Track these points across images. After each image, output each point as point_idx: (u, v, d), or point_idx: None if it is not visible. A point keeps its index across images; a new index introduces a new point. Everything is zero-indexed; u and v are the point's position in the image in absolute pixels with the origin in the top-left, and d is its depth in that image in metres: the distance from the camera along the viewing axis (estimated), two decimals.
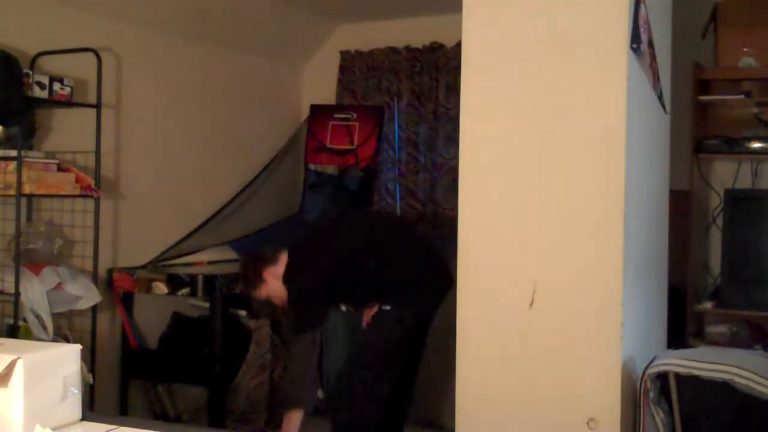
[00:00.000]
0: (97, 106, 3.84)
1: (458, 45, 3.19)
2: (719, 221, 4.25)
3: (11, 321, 3.41)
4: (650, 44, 3.10)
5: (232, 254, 4.81)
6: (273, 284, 3.54)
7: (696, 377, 2.57)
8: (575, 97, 2.88)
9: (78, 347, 1.57)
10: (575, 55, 2.89)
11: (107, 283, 4.15)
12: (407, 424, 4.70)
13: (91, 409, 2.10)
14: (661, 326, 3.49)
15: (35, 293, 3.43)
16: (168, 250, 4.51)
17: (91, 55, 3.80)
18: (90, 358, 3.76)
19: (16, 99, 3.43)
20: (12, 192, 3.40)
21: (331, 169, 5.35)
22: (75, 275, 3.69)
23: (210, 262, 4.72)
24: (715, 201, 4.33)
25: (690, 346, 3.81)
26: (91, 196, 3.77)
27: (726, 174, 4.33)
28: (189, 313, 4.58)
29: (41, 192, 3.57)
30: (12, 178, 3.39)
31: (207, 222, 4.74)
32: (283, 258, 3.56)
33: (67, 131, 3.91)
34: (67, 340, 3.66)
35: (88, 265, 3.87)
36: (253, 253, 3.70)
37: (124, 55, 4.26)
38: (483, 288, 3.02)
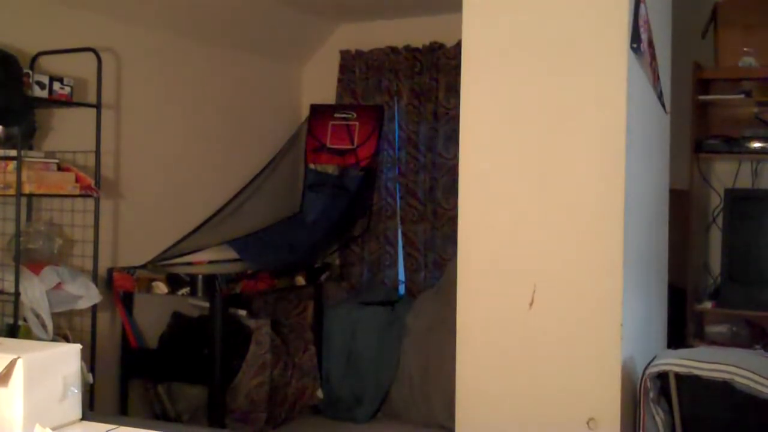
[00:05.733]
0: (97, 106, 3.84)
1: (458, 45, 3.19)
2: (719, 221, 4.25)
3: (11, 321, 3.41)
4: (650, 44, 3.10)
5: (232, 254, 4.81)
6: None
7: (696, 377, 2.57)
8: (575, 97, 2.89)
9: (78, 347, 1.57)
10: (575, 55, 2.89)
11: (107, 283, 4.15)
12: (407, 423, 4.72)
13: (91, 408, 2.09)
14: (661, 326, 3.49)
15: (35, 293, 3.43)
16: (168, 249, 4.50)
17: (91, 55, 3.80)
18: (90, 358, 3.76)
19: (16, 99, 3.43)
20: (12, 192, 3.39)
21: (331, 169, 5.35)
22: (75, 275, 3.69)
23: (210, 262, 4.72)
24: (715, 201, 4.33)
25: (690, 346, 3.81)
26: (91, 196, 3.77)
27: (726, 174, 4.33)
28: (189, 313, 4.58)
29: (41, 192, 3.57)
30: (12, 177, 3.39)
31: (207, 222, 4.74)
32: None
33: (67, 131, 3.91)
34: (67, 340, 3.66)
35: (88, 265, 3.87)
36: None
37: (124, 55, 4.26)
38: (483, 288, 3.02)
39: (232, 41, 4.96)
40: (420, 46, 5.21)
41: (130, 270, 4.22)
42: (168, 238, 4.52)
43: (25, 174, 3.41)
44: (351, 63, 5.42)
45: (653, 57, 3.15)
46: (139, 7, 4.27)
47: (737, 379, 2.47)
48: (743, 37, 4.09)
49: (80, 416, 1.56)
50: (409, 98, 5.23)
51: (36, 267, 3.53)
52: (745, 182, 4.28)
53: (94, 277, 3.83)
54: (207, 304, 4.25)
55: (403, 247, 5.24)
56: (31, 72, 3.58)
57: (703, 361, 2.58)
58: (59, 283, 3.58)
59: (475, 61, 3.06)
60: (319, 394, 4.80)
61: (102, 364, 3.97)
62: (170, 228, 4.53)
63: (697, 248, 4.23)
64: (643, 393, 2.70)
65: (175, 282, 4.11)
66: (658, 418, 2.69)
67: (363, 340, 4.80)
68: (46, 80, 3.60)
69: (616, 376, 2.79)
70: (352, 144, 5.27)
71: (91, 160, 3.85)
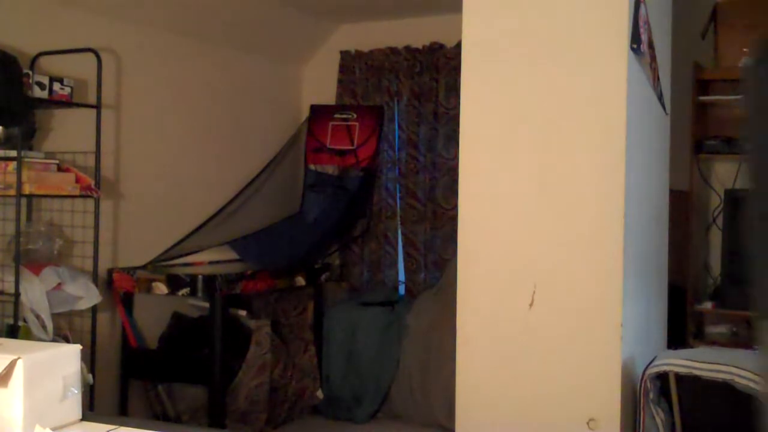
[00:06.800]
0: (97, 106, 3.84)
1: (458, 45, 3.19)
2: (719, 221, 4.25)
3: (11, 321, 3.41)
4: (650, 44, 3.10)
5: (232, 254, 4.81)
6: None
7: (696, 377, 2.58)
8: (575, 97, 2.89)
9: (78, 347, 1.57)
10: (575, 55, 2.89)
11: (107, 283, 4.15)
12: (407, 423, 4.72)
13: (91, 409, 2.09)
14: (661, 326, 3.49)
15: (35, 293, 3.43)
16: (168, 250, 4.50)
17: (91, 55, 3.80)
18: (90, 358, 3.76)
19: (16, 99, 3.43)
20: (12, 192, 3.39)
21: (331, 169, 5.35)
22: (75, 275, 3.69)
23: (210, 263, 4.72)
24: (715, 201, 4.33)
25: (690, 346, 3.81)
26: (91, 196, 3.77)
27: (726, 174, 4.33)
28: (189, 313, 4.58)
29: (41, 192, 3.57)
30: (12, 178, 3.39)
31: (207, 222, 4.74)
32: None
33: (67, 131, 3.91)
34: (67, 340, 3.65)
35: (88, 266, 3.87)
36: None
37: (124, 55, 4.26)
38: (483, 288, 3.02)
39: (233, 41, 4.96)
40: (420, 46, 5.21)
41: (130, 270, 4.22)
42: (168, 239, 4.52)
43: (25, 174, 3.41)
44: (351, 63, 5.42)
45: (653, 57, 3.15)
46: (139, 7, 4.27)
47: (737, 379, 2.47)
48: (743, 37, 4.09)
49: (80, 417, 1.56)
50: (409, 98, 5.23)
51: (36, 267, 3.53)
52: (745, 183, 4.27)
53: (94, 278, 3.83)
54: (207, 305, 4.25)
55: (403, 247, 5.24)
56: (31, 72, 3.59)
57: (703, 362, 2.58)
58: (59, 284, 3.58)
59: (475, 61, 3.06)
60: (319, 394, 4.80)
61: (102, 365, 3.97)
62: (170, 228, 4.53)
63: (697, 248, 4.23)
64: (643, 393, 2.70)
65: (175, 282, 4.11)
66: (658, 419, 2.69)
67: (363, 340, 4.80)
68: (46, 81, 3.60)
69: (616, 377, 2.79)
70: (352, 144, 5.27)
71: (91, 161, 3.85)
